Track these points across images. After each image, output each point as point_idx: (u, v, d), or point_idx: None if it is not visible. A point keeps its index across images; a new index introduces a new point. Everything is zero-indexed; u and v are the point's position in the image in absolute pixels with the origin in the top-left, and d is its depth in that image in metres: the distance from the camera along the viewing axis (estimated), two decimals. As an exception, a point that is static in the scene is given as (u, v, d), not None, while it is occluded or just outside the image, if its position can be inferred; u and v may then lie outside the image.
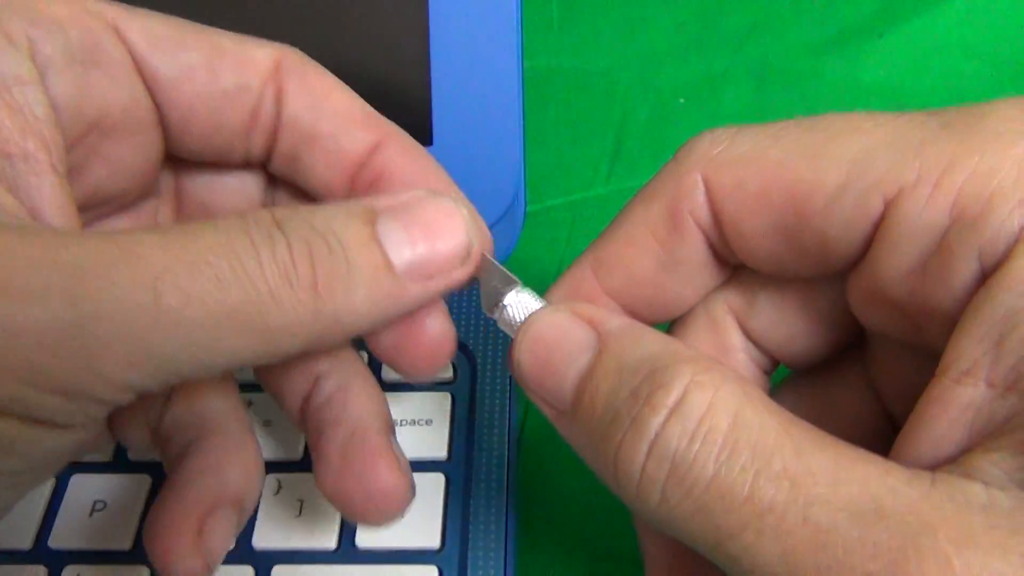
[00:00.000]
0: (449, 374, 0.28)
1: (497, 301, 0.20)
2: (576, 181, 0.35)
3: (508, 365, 0.20)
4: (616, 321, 0.18)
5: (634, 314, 0.21)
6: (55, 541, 0.25)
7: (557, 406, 0.18)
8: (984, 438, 0.15)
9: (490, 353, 0.29)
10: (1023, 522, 0.14)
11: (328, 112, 0.21)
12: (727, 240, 0.19)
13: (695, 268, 0.20)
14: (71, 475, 0.26)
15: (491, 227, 0.31)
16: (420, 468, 0.26)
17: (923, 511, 0.14)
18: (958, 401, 0.16)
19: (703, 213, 0.19)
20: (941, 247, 0.16)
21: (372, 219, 0.17)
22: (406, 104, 0.30)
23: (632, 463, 0.16)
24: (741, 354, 0.21)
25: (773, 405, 0.16)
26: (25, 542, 0.25)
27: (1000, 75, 0.38)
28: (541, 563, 0.26)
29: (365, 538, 0.24)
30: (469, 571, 0.24)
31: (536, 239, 0.33)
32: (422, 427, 0.27)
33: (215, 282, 0.15)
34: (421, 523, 0.25)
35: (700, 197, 0.19)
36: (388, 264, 0.17)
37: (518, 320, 0.19)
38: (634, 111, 0.38)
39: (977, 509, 0.14)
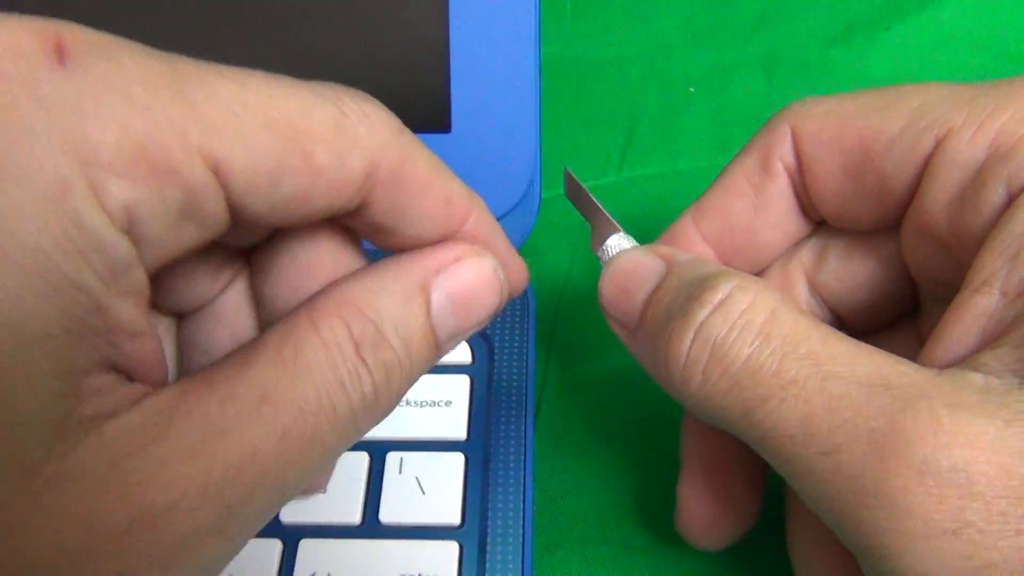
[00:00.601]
0: (468, 358, 0.29)
1: (601, 243, 0.23)
2: (589, 169, 0.36)
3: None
4: (684, 254, 0.21)
5: (727, 261, 0.24)
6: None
7: (628, 324, 0.21)
8: (992, 339, 0.18)
9: (507, 337, 0.30)
10: (1011, 398, 0.16)
11: (415, 217, 0.19)
12: (805, 183, 0.22)
13: (782, 213, 0.23)
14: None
15: (507, 214, 0.32)
16: (440, 448, 0.27)
17: (924, 386, 0.16)
18: (973, 309, 0.18)
19: (790, 158, 0.22)
20: (977, 178, 0.19)
21: (428, 301, 0.18)
22: (424, 91, 0.31)
23: (679, 348, 0.19)
24: (805, 307, 0.23)
25: (807, 312, 0.18)
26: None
27: (1005, 69, 0.39)
28: (559, 539, 0.27)
29: (388, 514, 0.25)
30: (488, 546, 0.25)
31: (550, 226, 0.34)
32: (441, 408, 0.27)
33: (313, 432, 0.16)
34: (442, 501, 0.26)
35: (787, 143, 0.22)
36: (438, 346, 0.18)
37: (614, 249, 0.23)
38: (645, 100, 0.39)
39: (973, 389, 0.16)
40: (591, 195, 0.24)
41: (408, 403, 0.27)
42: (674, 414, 0.29)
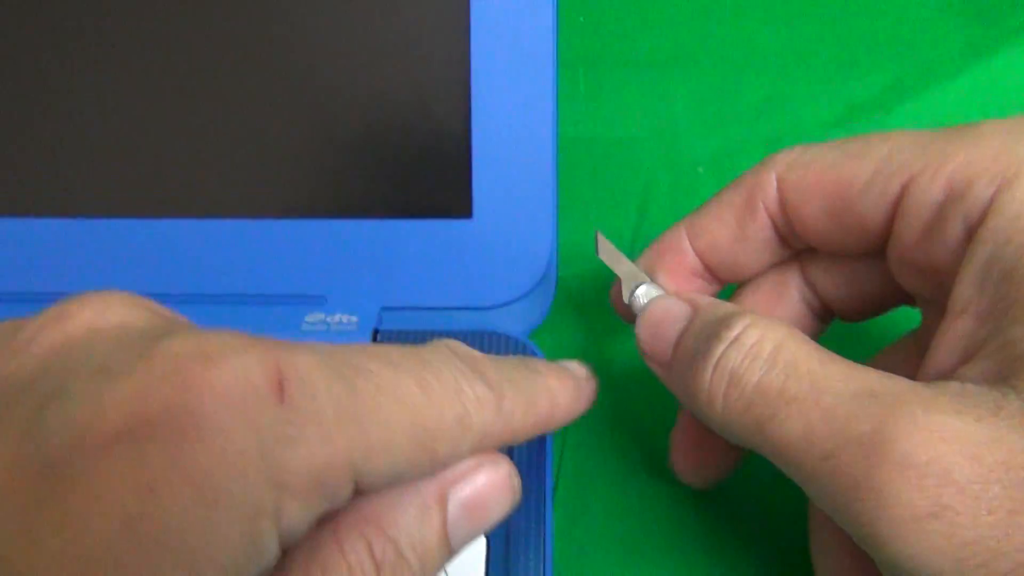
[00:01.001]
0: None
1: (631, 293, 0.27)
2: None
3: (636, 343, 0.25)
4: (706, 299, 0.24)
5: (712, 272, 0.27)
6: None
7: (663, 363, 0.24)
8: (970, 356, 0.20)
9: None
10: (981, 399, 0.18)
11: None
12: (791, 223, 0.25)
13: (761, 245, 0.26)
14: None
15: (526, 295, 0.33)
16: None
17: (906, 394, 0.19)
18: (954, 332, 0.21)
19: (773, 203, 0.25)
20: (939, 217, 0.22)
21: (444, 512, 0.19)
22: (447, 179, 0.32)
23: (703, 380, 0.22)
24: (796, 293, 0.27)
25: (811, 341, 0.21)
26: None
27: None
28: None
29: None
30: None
31: (566, 305, 0.35)
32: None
33: None
34: None
35: (771, 190, 0.25)
36: (451, 552, 0.20)
37: (642, 305, 0.26)
38: (656, 180, 0.40)
39: (950, 394, 0.19)
40: (619, 251, 0.28)
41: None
42: (684, 499, 0.30)
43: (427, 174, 0.32)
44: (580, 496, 0.30)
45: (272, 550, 0.16)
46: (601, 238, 0.28)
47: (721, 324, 0.22)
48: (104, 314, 0.17)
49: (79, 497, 0.14)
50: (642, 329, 0.25)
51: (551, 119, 0.32)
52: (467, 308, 0.32)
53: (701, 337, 0.23)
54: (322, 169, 0.32)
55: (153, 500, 0.14)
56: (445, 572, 0.26)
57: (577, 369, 0.25)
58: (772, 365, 0.20)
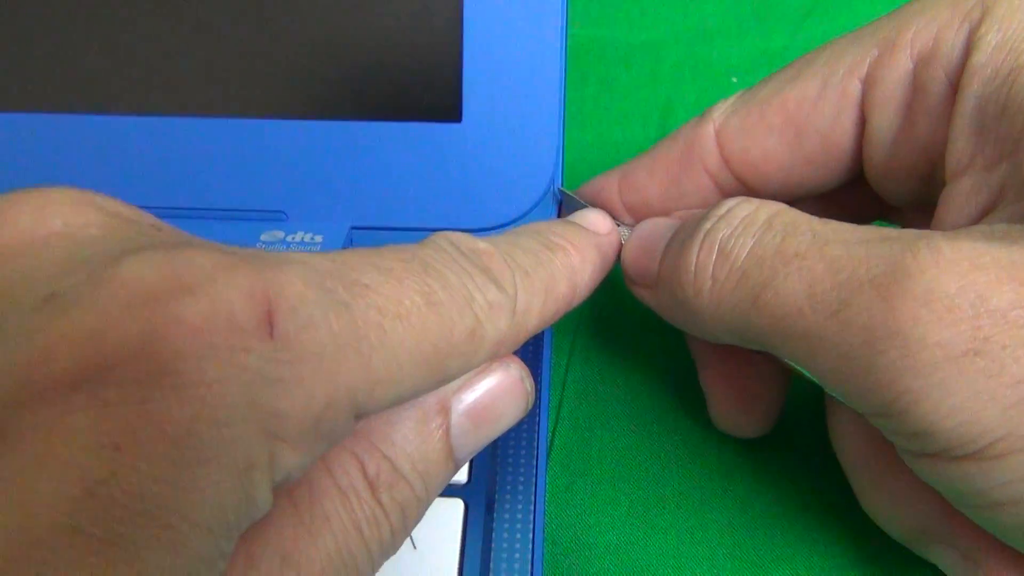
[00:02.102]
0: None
1: None
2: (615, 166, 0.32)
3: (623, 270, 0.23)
4: (694, 211, 0.22)
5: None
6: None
7: (650, 282, 0.22)
8: (987, 211, 0.18)
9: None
10: (1013, 229, 0.16)
11: None
12: (741, 176, 0.23)
13: (698, 203, 0.24)
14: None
15: (523, 217, 0.28)
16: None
17: (924, 232, 0.16)
18: (961, 191, 0.19)
19: (712, 159, 0.23)
20: (916, 88, 0.20)
21: (447, 423, 0.17)
22: (432, 73, 0.27)
23: (689, 259, 0.19)
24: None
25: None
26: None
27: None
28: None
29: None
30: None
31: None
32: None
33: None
34: (436, 557, 0.22)
35: (710, 144, 0.23)
36: (456, 466, 0.18)
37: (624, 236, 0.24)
38: (681, 90, 0.35)
39: (974, 230, 0.17)
40: (587, 204, 0.25)
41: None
42: (704, 451, 0.25)
43: (408, 67, 0.27)
44: (580, 452, 0.25)
45: (265, 501, 0.13)
46: (566, 194, 0.27)
47: (710, 209, 0.20)
48: (46, 219, 0.14)
49: (27, 456, 0.11)
50: (628, 250, 0.23)
51: (560, 13, 0.27)
52: (453, 231, 0.27)
53: (689, 229, 0.20)
54: (280, 60, 0.27)
55: (119, 460, 0.11)
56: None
57: (597, 221, 0.23)
58: (768, 229, 0.18)
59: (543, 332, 0.26)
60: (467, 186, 0.28)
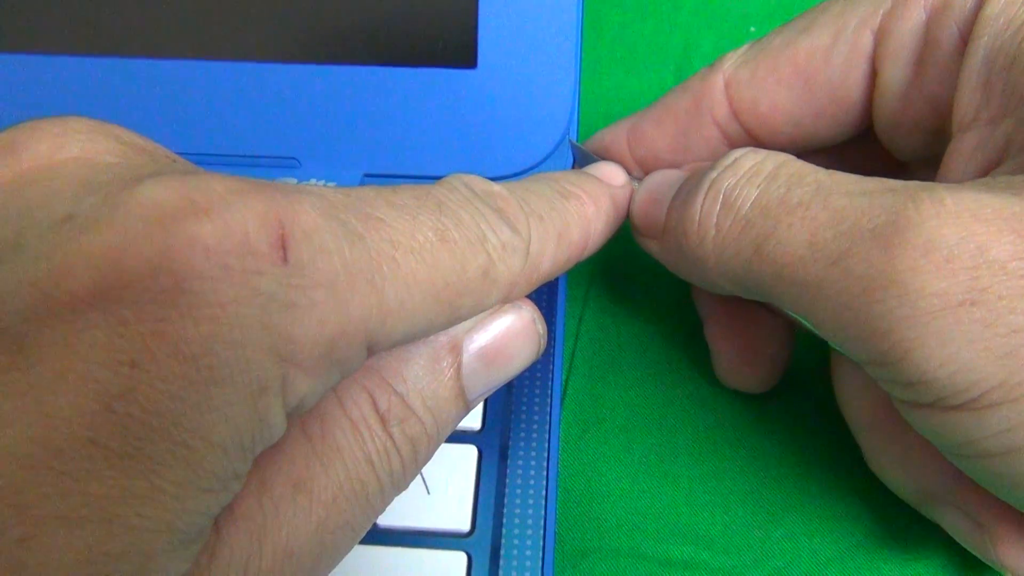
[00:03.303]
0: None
1: None
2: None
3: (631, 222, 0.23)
4: (703, 163, 0.22)
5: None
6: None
7: (657, 234, 0.22)
8: (992, 167, 0.18)
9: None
10: (1016, 180, 0.16)
11: None
12: (750, 128, 0.23)
13: (707, 155, 0.24)
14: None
15: (538, 165, 0.28)
16: (449, 439, 0.23)
17: (927, 184, 0.16)
18: (966, 145, 0.18)
19: (721, 110, 0.23)
20: (927, 41, 0.20)
21: (458, 362, 0.17)
22: (446, 18, 0.26)
23: (693, 208, 0.19)
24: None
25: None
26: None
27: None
28: (585, 549, 0.23)
29: (387, 517, 0.22)
30: (503, 557, 0.21)
31: (586, 180, 0.30)
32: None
33: (346, 521, 0.16)
34: (450, 502, 0.22)
35: (719, 95, 0.23)
36: (467, 406, 0.18)
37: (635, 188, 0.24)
38: (699, 39, 0.34)
39: (977, 182, 0.16)
40: (598, 157, 0.25)
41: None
42: (716, 401, 0.25)
43: (423, 12, 0.26)
44: (593, 401, 0.25)
45: (278, 426, 0.13)
46: (577, 147, 0.26)
47: (717, 160, 0.20)
48: (64, 146, 0.14)
49: (47, 370, 0.11)
50: (636, 202, 0.23)
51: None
52: (467, 173, 0.27)
53: (695, 180, 0.20)
54: (293, 4, 0.26)
55: (136, 377, 0.12)
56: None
57: (610, 174, 0.23)
58: (773, 179, 0.18)
59: (557, 281, 0.26)
60: (481, 133, 0.27)
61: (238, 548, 0.14)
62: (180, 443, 0.12)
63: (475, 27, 0.26)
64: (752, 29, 0.34)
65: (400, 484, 0.17)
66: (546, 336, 0.19)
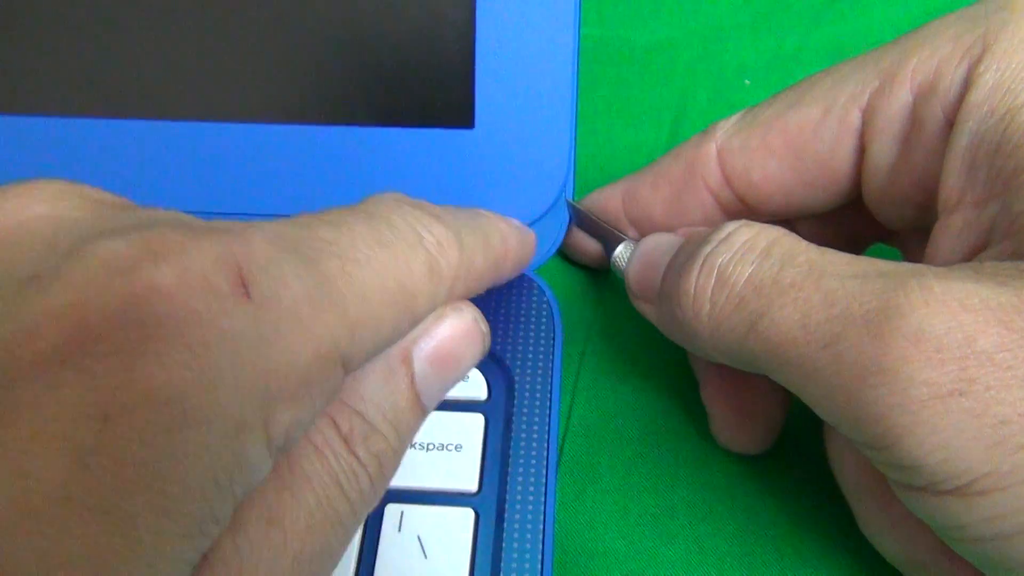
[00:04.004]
0: (483, 393, 0.25)
1: (612, 254, 0.26)
2: (628, 170, 0.32)
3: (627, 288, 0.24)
4: (704, 229, 0.22)
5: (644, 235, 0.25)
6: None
7: (652, 294, 0.22)
8: (978, 250, 0.18)
9: (530, 367, 0.26)
10: (1001, 268, 0.16)
11: None
12: (742, 196, 0.24)
13: (700, 220, 0.25)
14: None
15: (536, 221, 0.28)
16: (446, 501, 0.23)
17: (917, 268, 0.17)
18: (952, 228, 0.19)
19: (714, 177, 0.24)
20: (913, 120, 0.20)
21: (411, 372, 0.18)
22: (444, 79, 0.27)
23: (689, 282, 0.20)
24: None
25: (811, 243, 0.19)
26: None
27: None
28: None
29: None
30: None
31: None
32: (450, 453, 0.24)
33: (322, 546, 0.16)
34: (447, 566, 0.22)
35: (712, 164, 0.24)
36: (424, 412, 0.18)
37: (627, 254, 0.25)
38: (694, 92, 0.34)
39: (964, 268, 0.17)
40: (594, 217, 0.27)
41: (413, 446, 0.24)
42: (713, 462, 0.25)
43: (420, 72, 0.27)
44: (590, 461, 0.26)
45: (260, 465, 0.14)
46: (573, 207, 0.27)
47: (712, 232, 0.20)
48: (30, 205, 0.14)
49: (18, 432, 0.12)
50: (632, 265, 0.24)
51: (573, 15, 0.27)
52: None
53: (690, 250, 0.21)
54: (293, 65, 0.27)
55: (108, 430, 0.12)
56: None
57: (514, 220, 0.24)
58: (766, 257, 0.18)
59: (554, 339, 0.26)
60: (478, 193, 0.27)
61: None
62: (157, 491, 0.12)
63: (472, 88, 0.27)
64: (747, 82, 0.35)
65: (370, 501, 0.17)
66: (489, 335, 0.20)
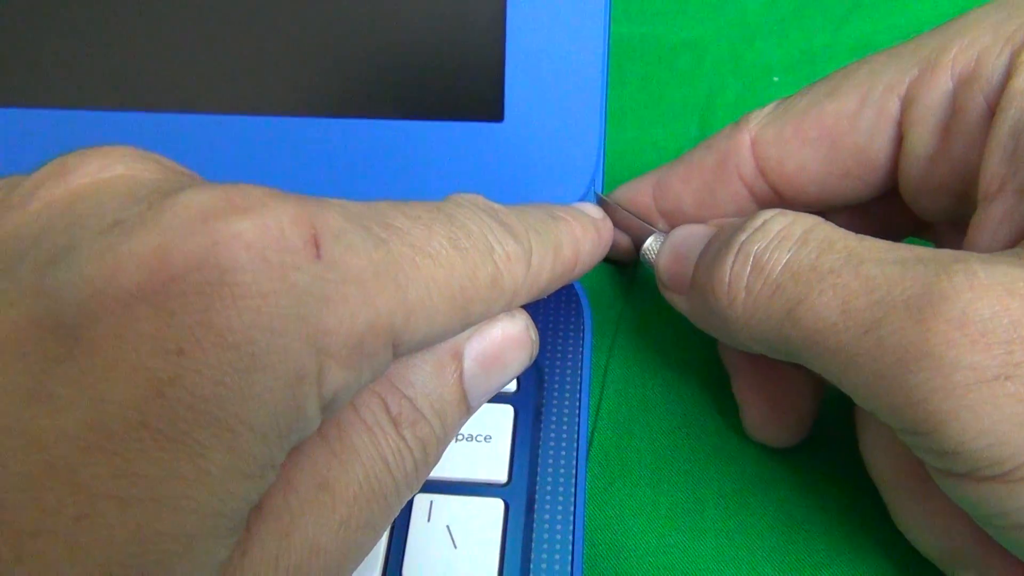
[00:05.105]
0: (512, 385, 0.25)
1: (642, 247, 0.25)
2: (655, 166, 0.32)
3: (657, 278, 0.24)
4: (730, 219, 0.22)
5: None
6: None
7: (683, 286, 0.22)
8: (1019, 238, 0.18)
9: (559, 360, 0.26)
10: None
11: None
12: (776, 186, 0.24)
13: (733, 211, 0.24)
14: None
15: (564, 216, 0.28)
16: (476, 491, 0.23)
17: (959, 254, 0.16)
18: (993, 216, 0.19)
19: (748, 167, 0.24)
20: (954, 108, 0.20)
21: (460, 368, 0.18)
22: (475, 73, 0.27)
23: (723, 270, 0.19)
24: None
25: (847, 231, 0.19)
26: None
27: None
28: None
29: (413, 569, 0.22)
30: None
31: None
32: (480, 444, 0.24)
33: (367, 518, 0.16)
34: (477, 556, 0.22)
35: (746, 154, 0.24)
36: (469, 410, 0.19)
37: (657, 246, 0.24)
38: (722, 89, 0.34)
39: (1008, 253, 0.17)
40: (624, 209, 0.26)
41: (442, 436, 0.24)
42: (744, 455, 0.25)
43: (451, 66, 0.27)
44: (619, 453, 0.25)
45: (314, 417, 0.14)
46: (603, 200, 0.27)
47: (746, 220, 0.20)
48: (110, 166, 0.15)
49: (100, 359, 0.12)
50: (662, 256, 0.24)
51: (603, 11, 0.27)
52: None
53: (724, 239, 0.20)
54: (323, 59, 0.27)
55: (184, 364, 0.12)
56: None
57: (591, 210, 0.24)
58: (803, 244, 0.18)
59: (583, 331, 0.26)
60: (508, 186, 0.27)
61: (268, 544, 0.14)
62: (225, 428, 0.13)
63: (502, 81, 0.27)
64: (775, 79, 0.34)
65: (413, 485, 0.17)
66: (538, 343, 0.20)
